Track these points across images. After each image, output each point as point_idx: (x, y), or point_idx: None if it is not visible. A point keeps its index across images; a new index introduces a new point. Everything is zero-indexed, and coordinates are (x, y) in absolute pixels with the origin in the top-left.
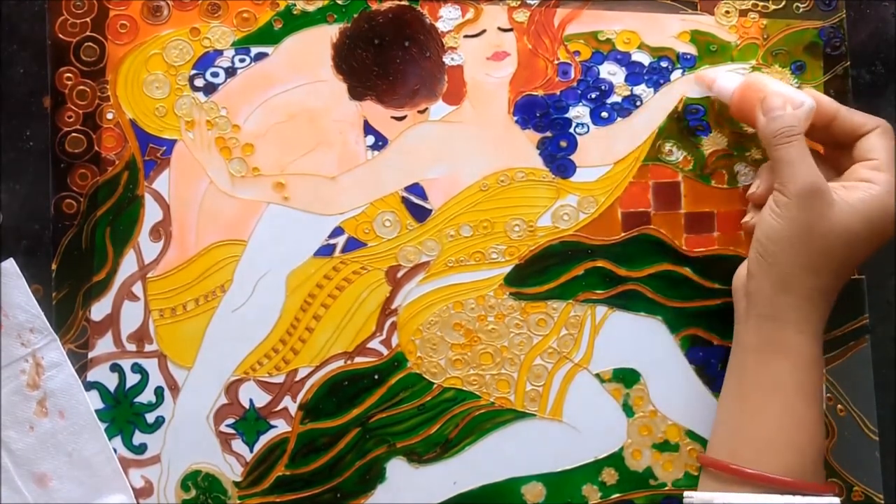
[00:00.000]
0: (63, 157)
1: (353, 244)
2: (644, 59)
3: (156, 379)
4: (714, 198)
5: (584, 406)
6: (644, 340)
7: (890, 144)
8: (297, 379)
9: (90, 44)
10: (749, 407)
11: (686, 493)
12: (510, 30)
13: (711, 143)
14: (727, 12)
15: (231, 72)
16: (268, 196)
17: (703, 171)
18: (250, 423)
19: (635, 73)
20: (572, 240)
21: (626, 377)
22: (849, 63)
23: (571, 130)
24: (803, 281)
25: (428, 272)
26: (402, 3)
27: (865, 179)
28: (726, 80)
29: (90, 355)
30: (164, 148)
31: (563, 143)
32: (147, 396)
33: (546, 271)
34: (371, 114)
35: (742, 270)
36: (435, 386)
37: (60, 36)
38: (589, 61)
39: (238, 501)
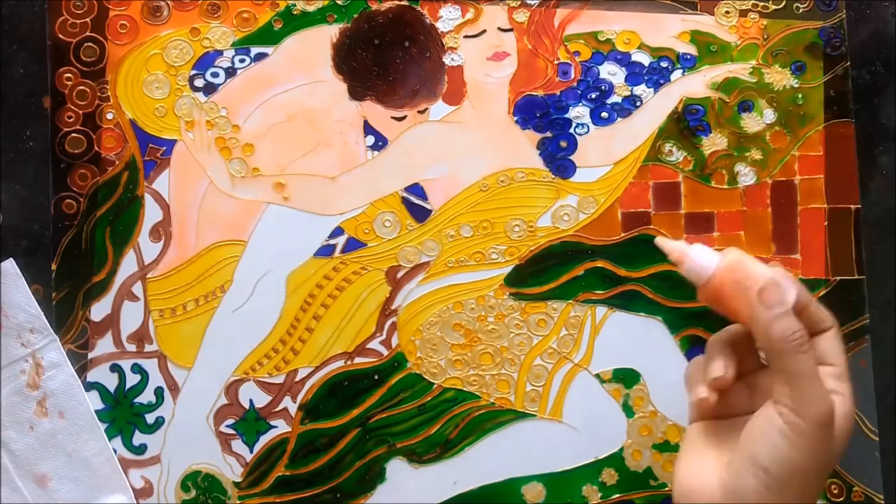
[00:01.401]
0: (63, 157)
1: (353, 244)
2: (644, 59)
3: (156, 379)
4: (714, 198)
5: (584, 406)
6: (644, 341)
7: (843, 348)
8: (297, 379)
9: (90, 44)
10: None
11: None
12: (510, 30)
13: (711, 144)
14: (727, 12)
15: (231, 72)
16: (268, 196)
17: (703, 172)
18: (250, 423)
19: (635, 74)
20: (572, 240)
21: (626, 377)
22: (849, 63)
23: (571, 131)
24: None
25: (428, 272)
26: (402, 3)
27: (833, 390)
28: (702, 258)
29: (90, 356)
30: (164, 148)
31: (563, 144)
32: (147, 397)
33: (546, 271)
34: (371, 114)
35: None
36: (435, 386)
37: (60, 36)
38: (589, 61)
39: (238, 502)
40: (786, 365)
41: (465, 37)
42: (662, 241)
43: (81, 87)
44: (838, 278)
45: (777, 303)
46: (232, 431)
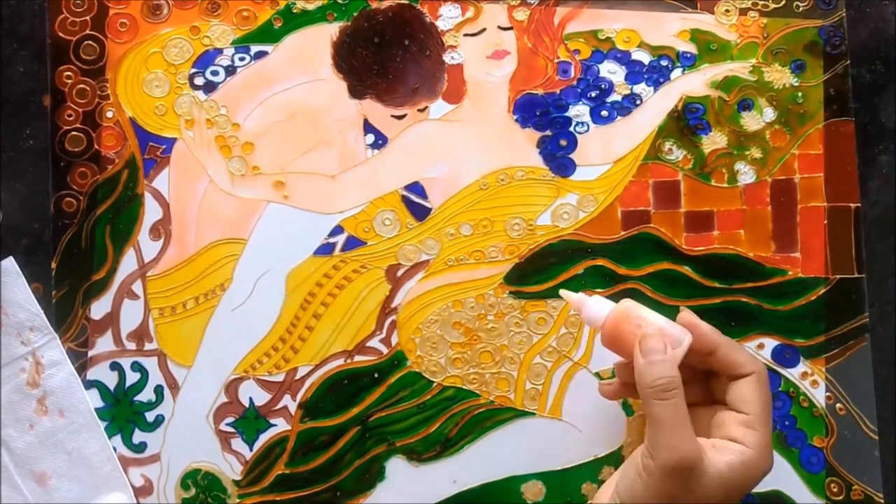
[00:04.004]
0: (63, 155)
1: (352, 243)
2: (644, 57)
3: (155, 377)
4: (714, 196)
5: (584, 404)
6: None
7: (764, 394)
8: (297, 377)
9: (90, 42)
10: None
11: None
12: (510, 28)
13: (711, 142)
14: (727, 11)
15: (231, 70)
16: (267, 195)
17: (702, 170)
18: (250, 421)
19: (635, 72)
20: (572, 238)
21: None
22: (849, 62)
23: (571, 129)
24: None
25: (428, 271)
26: (402, 1)
27: (735, 438)
28: (597, 307)
29: (90, 354)
30: (164, 146)
31: (563, 142)
32: (147, 395)
33: (546, 270)
34: (371, 112)
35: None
36: (434, 384)
37: (60, 34)
38: (589, 60)
39: (238, 500)
40: (648, 409)
41: (465, 35)
42: (565, 293)
43: (81, 86)
44: (838, 277)
45: (653, 351)
46: (232, 430)
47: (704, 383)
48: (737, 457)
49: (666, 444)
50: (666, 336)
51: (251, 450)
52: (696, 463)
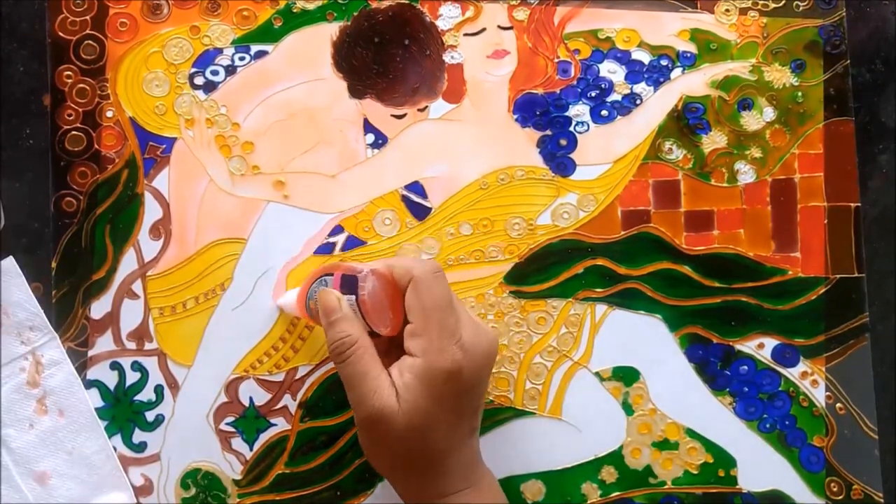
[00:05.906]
0: (63, 155)
1: (352, 242)
2: (644, 57)
3: (155, 377)
4: (713, 196)
5: (584, 404)
6: (643, 338)
7: (426, 297)
8: (297, 377)
9: (90, 42)
10: None
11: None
12: (510, 28)
13: (711, 142)
14: (727, 10)
15: (231, 70)
16: (267, 194)
17: (702, 170)
18: (250, 421)
19: (635, 72)
20: (572, 238)
21: (626, 375)
22: (849, 61)
23: (571, 129)
24: (403, 487)
25: None
26: (402, 1)
27: (409, 351)
28: (288, 297)
29: (90, 353)
30: (164, 146)
31: (563, 142)
32: (147, 394)
33: (546, 269)
34: (371, 112)
35: None
36: None
37: (60, 34)
38: (589, 59)
39: (238, 500)
40: (339, 373)
41: (465, 35)
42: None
43: (81, 85)
44: (838, 276)
45: (327, 312)
46: (232, 429)
47: None
48: (409, 373)
49: (354, 400)
50: (345, 278)
51: (251, 449)
52: (384, 413)
